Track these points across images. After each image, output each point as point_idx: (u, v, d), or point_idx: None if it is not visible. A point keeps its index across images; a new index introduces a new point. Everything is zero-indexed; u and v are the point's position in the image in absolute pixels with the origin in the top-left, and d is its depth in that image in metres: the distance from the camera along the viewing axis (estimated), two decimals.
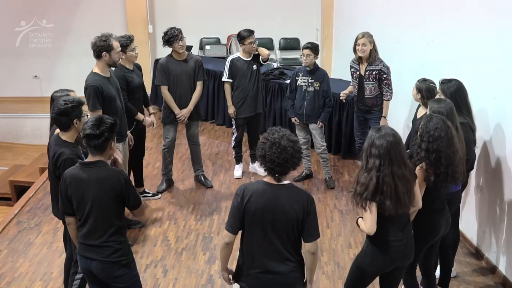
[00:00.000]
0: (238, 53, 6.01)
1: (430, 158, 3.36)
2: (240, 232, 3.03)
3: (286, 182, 2.97)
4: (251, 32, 5.82)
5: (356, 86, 5.67)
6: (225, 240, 3.02)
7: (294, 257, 2.99)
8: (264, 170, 3.00)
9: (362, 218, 3.25)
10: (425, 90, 4.30)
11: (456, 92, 4.04)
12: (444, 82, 4.15)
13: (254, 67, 5.98)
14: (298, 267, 3.03)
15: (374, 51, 5.44)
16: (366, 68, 5.51)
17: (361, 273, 3.38)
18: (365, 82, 5.55)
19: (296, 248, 3.01)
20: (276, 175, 2.91)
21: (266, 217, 2.90)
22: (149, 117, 5.49)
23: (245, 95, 5.99)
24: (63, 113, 3.51)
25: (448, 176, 3.42)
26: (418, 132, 3.48)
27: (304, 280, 3.10)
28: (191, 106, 5.71)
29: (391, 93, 5.56)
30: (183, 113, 5.70)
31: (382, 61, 5.49)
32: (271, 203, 2.90)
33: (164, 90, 5.69)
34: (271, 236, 2.92)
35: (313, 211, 2.95)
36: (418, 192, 3.32)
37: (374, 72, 5.48)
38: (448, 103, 3.79)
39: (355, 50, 5.51)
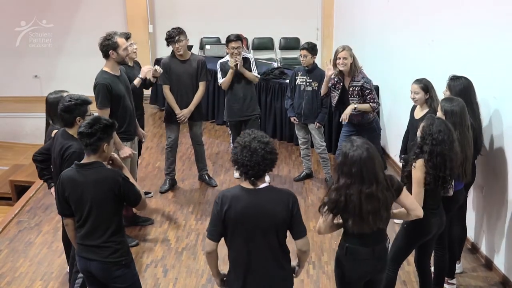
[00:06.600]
0: (227, 56, 5.93)
1: (434, 161, 3.32)
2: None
3: (264, 185, 2.88)
4: (238, 38, 5.72)
5: (337, 98, 5.39)
6: (207, 249, 2.97)
7: (280, 261, 2.93)
8: (240, 175, 2.96)
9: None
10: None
11: (462, 91, 4.00)
12: (453, 78, 4.11)
13: None
14: (286, 270, 2.98)
15: (354, 65, 5.16)
16: (349, 84, 5.24)
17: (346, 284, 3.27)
18: (350, 98, 5.27)
19: (281, 251, 2.93)
20: (252, 178, 2.84)
21: (248, 223, 2.84)
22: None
23: (231, 99, 5.93)
24: (67, 109, 3.59)
25: (448, 180, 3.40)
26: (419, 134, 3.44)
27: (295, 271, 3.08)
28: (191, 106, 5.69)
29: (378, 104, 5.31)
30: (183, 113, 5.68)
31: (364, 75, 5.24)
32: (251, 208, 2.82)
33: (166, 89, 5.68)
34: (255, 242, 2.86)
35: (297, 209, 2.89)
36: (412, 199, 3.20)
37: (357, 88, 5.21)
38: (460, 101, 3.75)
39: (335, 65, 5.20)
